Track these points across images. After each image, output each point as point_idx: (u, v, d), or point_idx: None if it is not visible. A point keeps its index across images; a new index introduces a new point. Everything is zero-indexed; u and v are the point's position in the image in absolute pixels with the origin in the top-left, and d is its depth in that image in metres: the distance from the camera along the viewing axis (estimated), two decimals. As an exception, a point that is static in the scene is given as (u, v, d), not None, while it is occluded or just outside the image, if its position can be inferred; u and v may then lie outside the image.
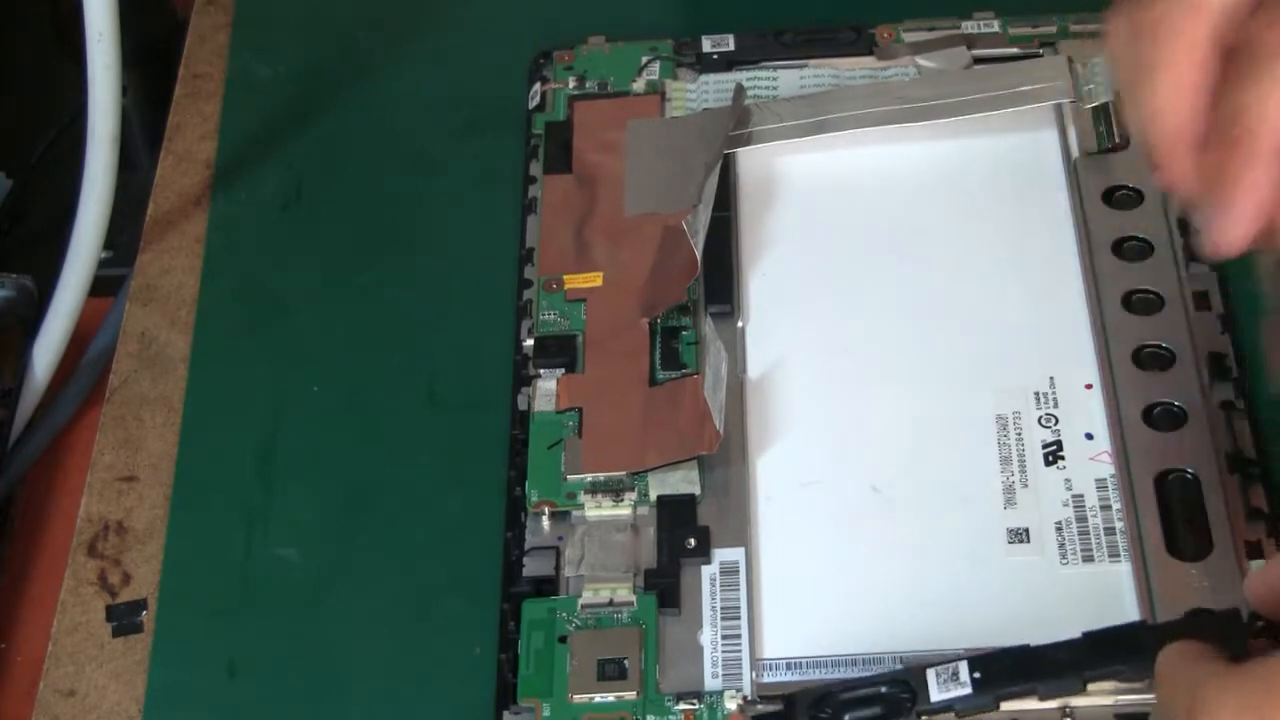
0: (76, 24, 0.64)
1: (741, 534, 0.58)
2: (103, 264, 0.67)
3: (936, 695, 0.52)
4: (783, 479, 0.59)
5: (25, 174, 0.75)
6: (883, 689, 0.53)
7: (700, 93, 0.69)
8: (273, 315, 0.66)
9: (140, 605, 0.60)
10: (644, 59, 0.70)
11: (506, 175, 0.69)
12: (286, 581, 0.60)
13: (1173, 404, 0.59)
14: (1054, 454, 0.58)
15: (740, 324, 0.62)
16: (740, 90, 0.67)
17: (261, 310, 0.66)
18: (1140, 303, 0.61)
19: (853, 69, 0.69)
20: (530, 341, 0.62)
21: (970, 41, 0.69)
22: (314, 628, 0.59)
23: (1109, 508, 0.57)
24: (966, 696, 0.52)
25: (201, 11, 0.76)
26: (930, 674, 0.53)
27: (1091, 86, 0.66)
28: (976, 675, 0.52)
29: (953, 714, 0.52)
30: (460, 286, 0.66)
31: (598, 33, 0.71)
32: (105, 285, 0.69)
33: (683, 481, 0.59)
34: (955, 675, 0.53)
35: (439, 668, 0.57)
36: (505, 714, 0.55)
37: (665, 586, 0.57)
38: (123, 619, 0.60)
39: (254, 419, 0.63)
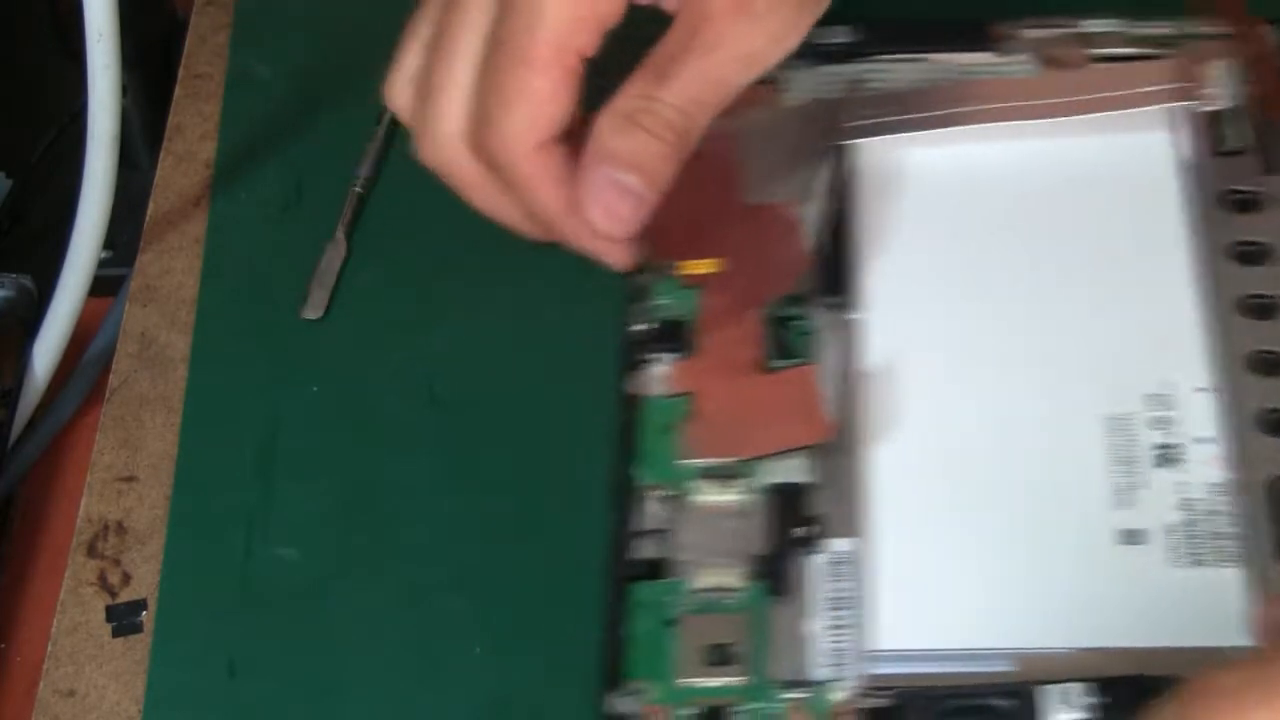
0: (76, 24, 0.64)
1: (852, 524, 0.58)
2: (103, 264, 0.67)
3: (1051, 716, 0.53)
4: (895, 471, 0.59)
5: (25, 174, 0.75)
6: (999, 701, 0.53)
7: (816, 83, 0.69)
8: (273, 315, 0.66)
9: (140, 605, 0.60)
10: None
11: (506, 175, 0.69)
12: (286, 581, 0.60)
13: None
14: (1166, 457, 0.58)
15: (854, 316, 0.62)
16: (855, 83, 0.67)
17: (261, 310, 0.66)
18: (1257, 307, 0.61)
19: (970, 64, 0.69)
20: (643, 326, 0.63)
21: (1089, 41, 0.69)
22: (314, 628, 0.59)
23: (1220, 513, 0.57)
24: None
25: (201, 11, 0.76)
26: (1047, 692, 0.53)
27: (1210, 90, 0.66)
28: (1094, 701, 0.52)
29: None
30: (460, 286, 0.66)
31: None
32: (105, 285, 0.69)
33: (795, 470, 0.59)
34: (1072, 698, 0.53)
35: (439, 668, 0.57)
36: (611, 696, 0.55)
37: (775, 574, 0.57)
38: (123, 619, 0.60)
39: (254, 419, 0.63)
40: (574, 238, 0.60)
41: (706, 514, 0.59)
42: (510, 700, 0.56)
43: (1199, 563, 0.56)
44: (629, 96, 0.58)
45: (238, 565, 0.60)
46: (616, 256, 0.61)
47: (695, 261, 0.64)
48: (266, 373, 0.65)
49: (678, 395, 0.61)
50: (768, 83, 0.67)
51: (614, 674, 0.55)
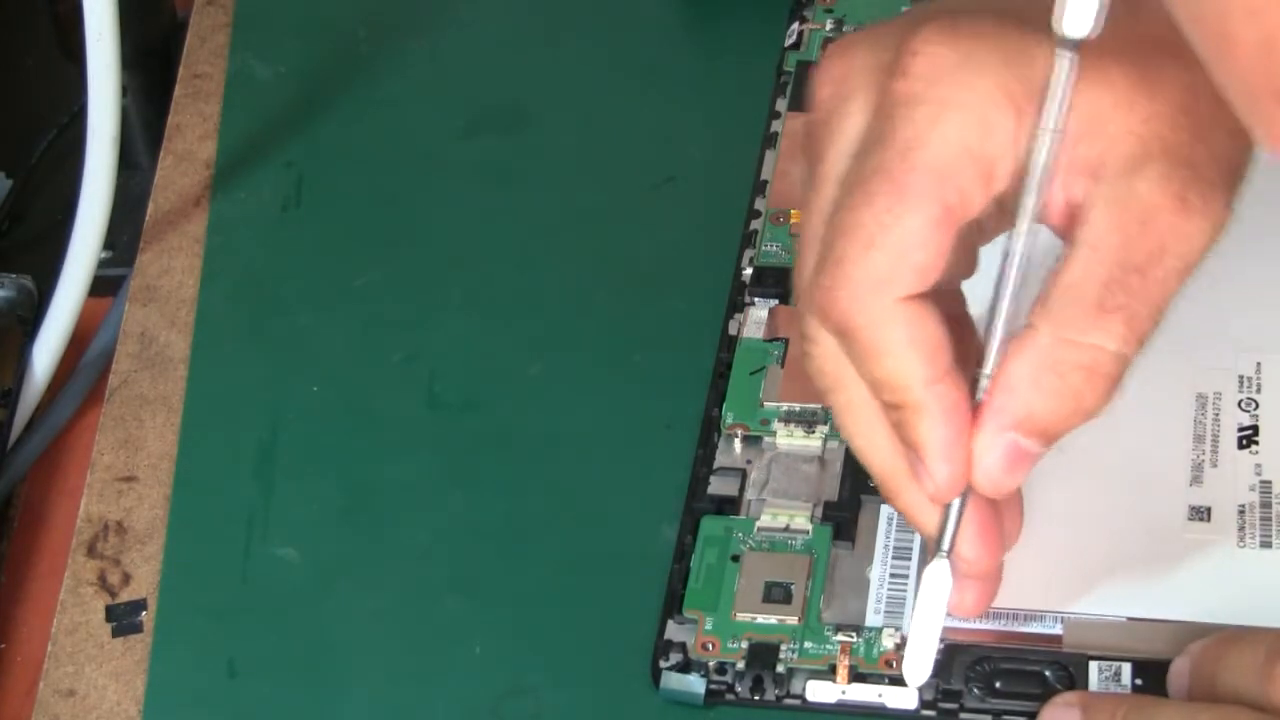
0: (76, 24, 0.64)
1: None
2: (103, 264, 0.67)
3: (1095, 690, 0.53)
4: None
5: (25, 174, 0.75)
6: (1045, 671, 0.53)
7: None
8: (273, 315, 0.66)
9: (140, 605, 0.60)
10: (904, 10, 0.70)
11: (507, 174, 0.69)
12: (286, 581, 0.60)
13: None
14: (1249, 438, 0.58)
15: None
16: None
17: (261, 310, 0.66)
18: None
19: None
20: (750, 270, 0.64)
21: None
22: (314, 628, 0.59)
23: None
24: None
25: (201, 11, 0.76)
26: (1093, 667, 0.53)
27: None
28: (1139, 681, 0.53)
29: None
30: (460, 286, 0.66)
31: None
32: (105, 285, 0.69)
33: None
34: (1117, 676, 0.53)
35: (439, 667, 0.57)
36: (670, 622, 0.56)
37: (842, 520, 0.58)
38: (123, 619, 0.60)
39: (254, 419, 0.63)
40: (912, 471, 0.49)
41: (784, 457, 0.59)
42: (511, 699, 0.56)
43: (1267, 545, 0.56)
44: (1057, 334, 0.46)
45: (238, 565, 0.60)
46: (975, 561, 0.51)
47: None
48: (266, 373, 0.65)
49: (773, 340, 0.62)
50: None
51: (676, 603, 0.56)
